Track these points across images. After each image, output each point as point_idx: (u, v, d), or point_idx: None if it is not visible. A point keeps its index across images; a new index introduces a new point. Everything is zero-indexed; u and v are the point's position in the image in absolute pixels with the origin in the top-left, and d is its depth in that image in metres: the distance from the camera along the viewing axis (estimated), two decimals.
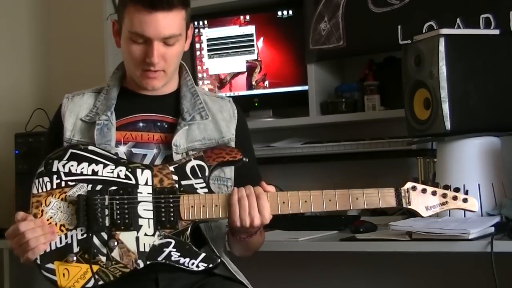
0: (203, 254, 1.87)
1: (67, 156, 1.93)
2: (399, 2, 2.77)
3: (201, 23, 3.24)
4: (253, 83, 3.17)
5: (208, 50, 3.24)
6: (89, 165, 1.92)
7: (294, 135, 3.12)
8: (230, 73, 3.21)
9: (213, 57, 3.23)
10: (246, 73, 3.18)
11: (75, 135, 2.06)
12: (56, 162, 1.92)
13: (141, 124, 2.07)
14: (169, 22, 1.97)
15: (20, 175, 3.33)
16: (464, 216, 2.34)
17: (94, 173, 1.91)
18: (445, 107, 2.34)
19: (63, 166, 1.91)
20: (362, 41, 2.87)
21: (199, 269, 1.85)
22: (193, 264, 1.85)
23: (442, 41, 2.35)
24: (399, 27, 2.76)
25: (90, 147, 1.95)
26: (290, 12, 3.10)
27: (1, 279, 3.32)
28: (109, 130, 2.03)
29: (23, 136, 3.40)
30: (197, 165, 1.95)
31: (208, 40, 3.24)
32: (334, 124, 3.01)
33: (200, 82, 3.23)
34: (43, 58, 3.86)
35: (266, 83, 3.15)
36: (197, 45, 3.24)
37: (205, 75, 3.24)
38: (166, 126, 2.08)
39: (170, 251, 1.86)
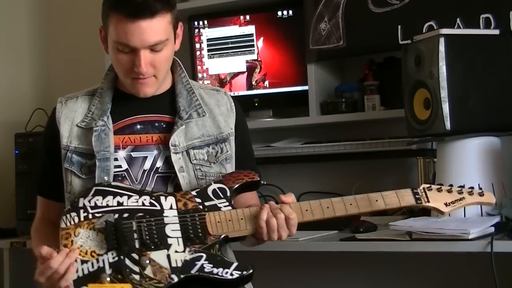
0: (235, 263, 1.87)
1: (92, 193, 1.92)
2: (399, 2, 2.77)
3: (201, 23, 3.24)
4: (253, 83, 3.17)
5: (208, 50, 3.24)
6: (114, 198, 1.91)
7: (294, 135, 3.12)
8: (230, 73, 3.21)
9: (213, 57, 3.23)
10: (246, 73, 3.18)
11: (72, 141, 2.04)
12: (82, 199, 1.91)
13: (138, 126, 2.05)
14: (154, 29, 1.92)
15: (20, 175, 3.33)
16: (464, 216, 2.34)
17: (120, 204, 1.91)
18: (445, 107, 2.35)
19: (89, 201, 1.91)
20: (362, 41, 2.87)
21: (233, 277, 1.84)
22: (226, 273, 1.84)
23: (442, 41, 2.35)
24: (399, 27, 2.76)
25: (114, 183, 1.95)
26: (290, 12, 3.10)
27: (1, 279, 3.32)
28: (106, 135, 2.01)
29: (23, 136, 3.40)
30: (218, 187, 1.95)
31: (208, 40, 3.24)
32: (334, 124, 3.01)
33: (200, 82, 3.23)
34: (43, 58, 3.86)
35: (266, 83, 3.15)
36: (197, 45, 3.24)
37: (205, 75, 3.24)
38: (164, 126, 2.06)
39: (203, 264, 1.84)
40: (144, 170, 2.02)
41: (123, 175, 2.00)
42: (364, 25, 2.85)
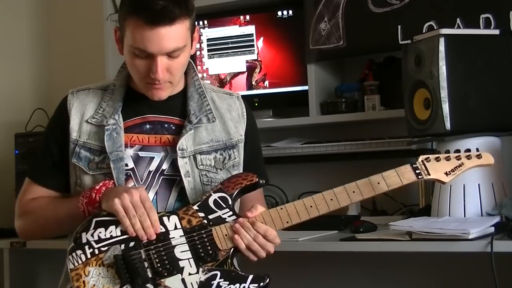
0: (251, 276, 1.86)
1: (93, 226, 1.87)
2: (399, 2, 2.77)
3: (201, 23, 3.24)
4: (253, 83, 3.17)
5: (208, 50, 3.24)
6: (116, 227, 1.87)
7: (294, 135, 3.12)
8: (230, 73, 3.21)
9: (213, 57, 3.23)
10: (246, 73, 3.18)
11: (81, 136, 2.02)
12: (84, 234, 1.87)
13: (148, 126, 2.04)
14: (172, 36, 1.90)
15: (20, 175, 3.33)
16: (464, 216, 2.34)
17: (123, 233, 1.86)
18: (445, 107, 2.35)
19: (92, 235, 1.86)
20: (362, 41, 2.87)
21: None
22: (243, 287, 1.85)
23: (442, 41, 2.35)
24: (399, 27, 2.76)
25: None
26: (290, 12, 3.10)
27: (1, 279, 3.32)
28: (118, 134, 2.00)
29: (23, 136, 3.40)
30: (218, 197, 1.92)
31: (208, 40, 3.24)
32: (334, 124, 3.01)
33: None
34: (43, 58, 3.86)
35: (266, 83, 3.15)
36: (197, 45, 3.24)
37: (205, 75, 3.24)
38: (173, 128, 2.04)
39: (219, 282, 1.84)
40: (150, 171, 2.00)
41: (129, 174, 1.99)
42: (364, 25, 2.85)
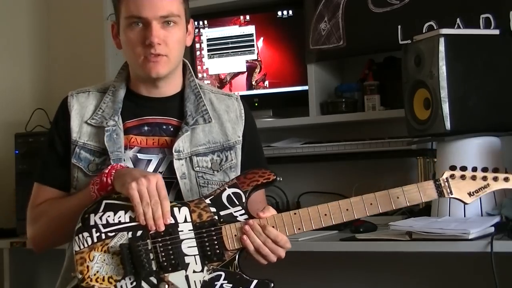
0: (255, 281, 1.85)
1: (102, 208, 1.85)
2: (399, 2, 2.77)
3: (201, 23, 3.24)
4: (253, 83, 3.17)
5: (208, 50, 3.24)
6: (125, 213, 1.84)
7: (294, 135, 3.12)
8: (230, 73, 3.21)
9: (213, 57, 3.23)
10: (246, 73, 3.18)
11: (81, 137, 2.02)
12: (92, 215, 1.84)
13: (146, 128, 2.03)
14: (166, 2, 1.96)
15: (20, 175, 3.33)
16: (464, 216, 2.34)
17: (132, 219, 1.84)
18: (445, 107, 2.35)
19: (100, 218, 1.84)
20: (362, 41, 2.87)
21: None
22: None
23: (442, 41, 2.35)
24: (399, 27, 2.76)
25: (123, 195, 1.86)
26: (290, 12, 3.10)
27: (1, 279, 3.32)
28: (118, 135, 1.99)
29: (23, 136, 3.40)
30: (232, 193, 1.89)
31: (208, 40, 3.24)
32: (334, 124, 3.01)
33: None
34: (43, 58, 3.86)
35: (266, 83, 3.15)
36: (197, 45, 3.25)
37: (205, 75, 3.24)
38: (171, 129, 2.04)
39: (222, 284, 1.83)
40: None
41: None
42: (364, 25, 2.85)
